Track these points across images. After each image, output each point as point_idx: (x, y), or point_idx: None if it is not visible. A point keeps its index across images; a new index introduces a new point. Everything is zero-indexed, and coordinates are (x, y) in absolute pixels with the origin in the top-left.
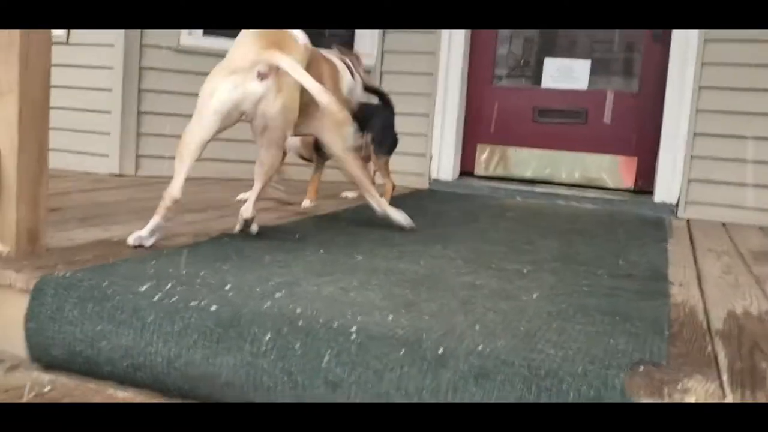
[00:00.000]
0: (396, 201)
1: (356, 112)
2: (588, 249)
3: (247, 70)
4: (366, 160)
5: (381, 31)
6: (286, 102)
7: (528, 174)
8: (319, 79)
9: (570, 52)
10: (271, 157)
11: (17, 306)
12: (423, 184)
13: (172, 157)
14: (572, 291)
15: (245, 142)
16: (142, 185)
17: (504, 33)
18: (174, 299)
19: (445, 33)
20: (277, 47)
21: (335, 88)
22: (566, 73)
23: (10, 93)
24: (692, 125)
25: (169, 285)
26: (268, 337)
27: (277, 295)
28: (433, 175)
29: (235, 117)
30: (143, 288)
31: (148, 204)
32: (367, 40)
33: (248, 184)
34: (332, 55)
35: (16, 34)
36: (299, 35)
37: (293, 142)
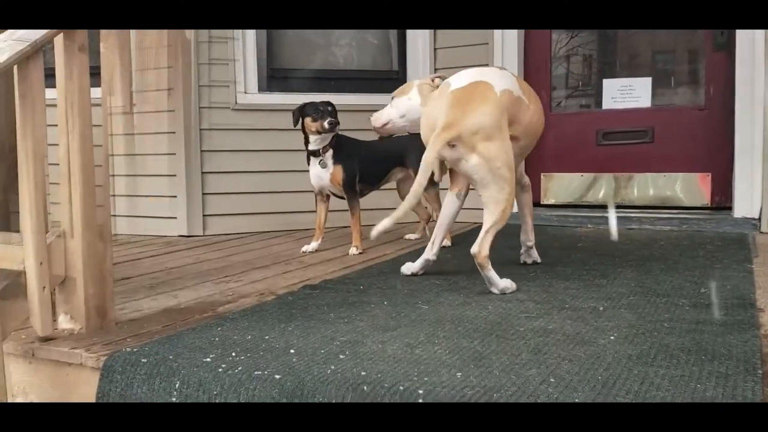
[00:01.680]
0: (462, 237)
1: (390, 144)
2: (667, 277)
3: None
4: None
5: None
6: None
7: (597, 199)
8: (526, 114)
9: (629, 71)
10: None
11: (90, 384)
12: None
13: (238, 214)
14: (653, 329)
15: (303, 193)
16: (208, 245)
17: (558, 55)
18: (238, 369)
19: (497, 61)
20: (467, 105)
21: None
22: (627, 93)
23: (73, 175)
24: (767, 137)
25: (234, 354)
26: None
27: (341, 356)
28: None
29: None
30: (208, 359)
31: (214, 265)
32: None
33: (307, 235)
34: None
35: (76, 119)
36: (497, 80)
37: (326, 181)
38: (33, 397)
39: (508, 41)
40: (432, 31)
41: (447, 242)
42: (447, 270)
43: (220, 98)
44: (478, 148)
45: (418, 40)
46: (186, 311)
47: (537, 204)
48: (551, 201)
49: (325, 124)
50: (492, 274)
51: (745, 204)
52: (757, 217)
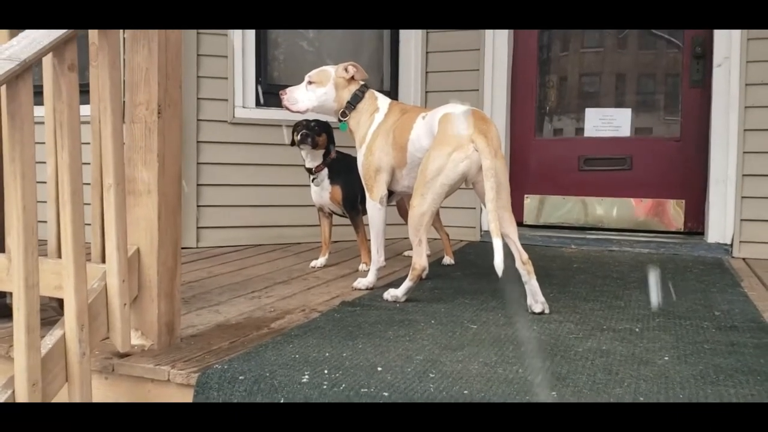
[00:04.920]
0: (454, 255)
1: None
2: (675, 300)
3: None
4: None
5: (423, 89)
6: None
7: (578, 221)
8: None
9: (610, 101)
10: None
11: (179, 401)
12: (474, 236)
13: (231, 227)
14: (697, 350)
15: (297, 207)
16: (209, 258)
17: (543, 85)
18: (342, 387)
19: (487, 88)
20: (486, 119)
21: None
22: (608, 122)
23: (149, 194)
24: (740, 167)
25: (326, 371)
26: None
27: (431, 375)
28: (484, 227)
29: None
30: (305, 378)
31: (232, 279)
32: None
33: (302, 249)
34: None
35: (154, 138)
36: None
37: (325, 199)
38: None
39: (498, 67)
40: (424, 53)
41: (450, 260)
42: (466, 288)
43: (217, 112)
44: (498, 154)
45: (411, 60)
46: (241, 327)
47: (520, 224)
48: (534, 222)
49: (298, 136)
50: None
51: (718, 230)
52: (729, 242)
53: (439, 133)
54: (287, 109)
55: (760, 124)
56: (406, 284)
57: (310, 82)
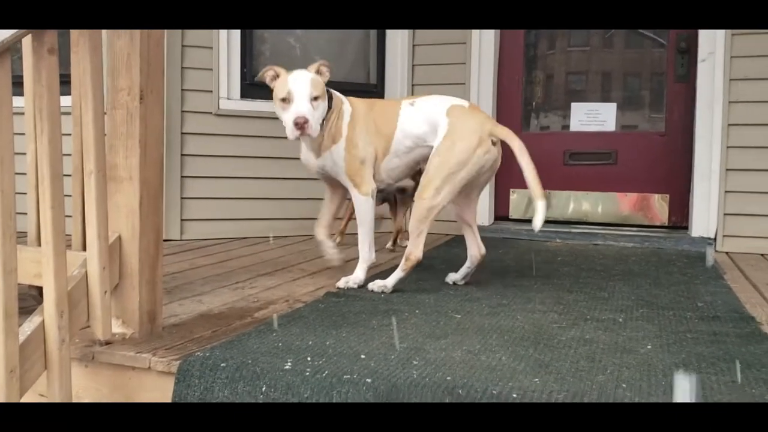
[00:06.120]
0: (440, 248)
1: None
2: (659, 291)
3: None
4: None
5: (410, 82)
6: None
7: (563, 215)
8: None
9: (596, 96)
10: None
11: (159, 389)
12: (459, 230)
13: (216, 220)
14: (680, 339)
15: (282, 200)
16: (192, 250)
17: (529, 80)
18: (325, 373)
19: (474, 82)
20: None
21: None
22: (594, 117)
23: (131, 180)
24: (724, 161)
25: (309, 359)
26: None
27: (415, 362)
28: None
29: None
30: (288, 365)
31: (215, 271)
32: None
33: (288, 242)
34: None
35: (136, 124)
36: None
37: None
38: (87, 401)
39: (484, 61)
40: (411, 46)
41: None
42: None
43: (202, 103)
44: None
45: (397, 54)
46: (224, 317)
47: (505, 218)
48: (519, 216)
49: None
50: None
51: (702, 224)
52: (713, 236)
53: (455, 126)
54: (306, 136)
55: (743, 118)
56: (397, 274)
57: (315, 98)
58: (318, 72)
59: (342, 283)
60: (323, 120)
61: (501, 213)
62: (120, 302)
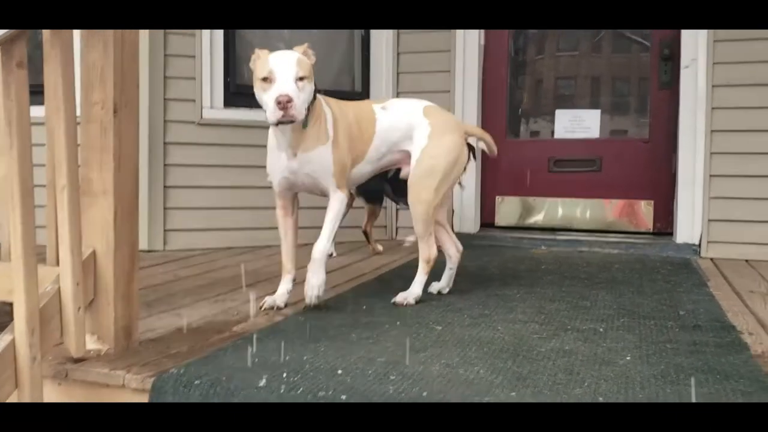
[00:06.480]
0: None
1: None
2: (641, 300)
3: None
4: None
5: (394, 90)
6: None
7: (548, 222)
8: None
9: (580, 103)
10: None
11: None
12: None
13: (200, 230)
14: (659, 350)
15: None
16: (175, 261)
17: (514, 86)
18: (300, 390)
19: (458, 89)
20: None
21: None
22: (578, 124)
23: (105, 194)
24: (707, 168)
25: (284, 375)
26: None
27: (392, 377)
28: (456, 229)
29: None
30: (262, 382)
31: (197, 282)
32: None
33: (275, 251)
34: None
35: (110, 138)
36: None
37: None
38: None
39: (468, 68)
40: (396, 54)
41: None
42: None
43: (185, 112)
44: None
45: (382, 62)
46: (202, 331)
47: (491, 225)
48: (505, 223)
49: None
50: None
51: (686, 230)
52: (697, 243)
53: (437, 125)
54: (290, 121)
55: (726, 125)
56: (422, 279)
57: (301, 78)
58: (304, 54)
59: (309, 299)
60: (308, 111)
61: (487, 220)
62: (95, 318)
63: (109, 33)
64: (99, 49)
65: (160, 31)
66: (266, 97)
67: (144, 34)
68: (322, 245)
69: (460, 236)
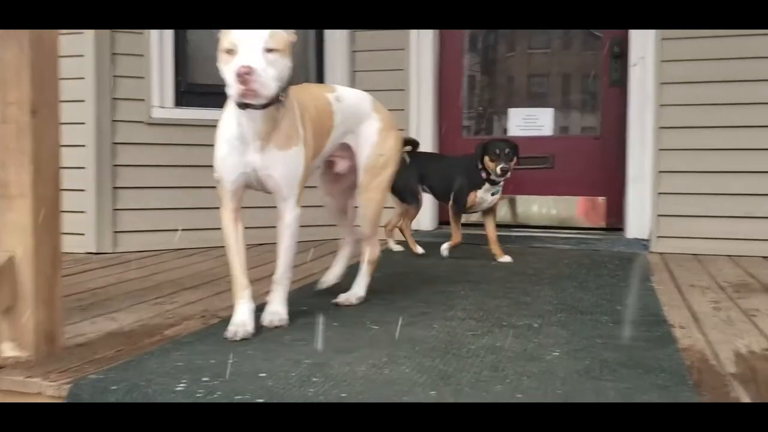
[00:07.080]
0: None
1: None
2: (583, 295)
3: None
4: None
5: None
6: None
7: (503, 219)
8: None
9: (533, 102)
10: None
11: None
12: (398, 236)
13: (150, 231)
14: (588, 345)
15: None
16: (123, 263)
17: (468, 85)
18: (217, 394)
19: (413, 87)
20: None
21: None
22: (531, 122)
23: (23, 197)
24: (656, 164)
25: (206, 379)
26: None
27: (315, 379)
28: (414, 227)
29: None
30: (181, 386)
31: (140, 285)
32: None
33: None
34: None
35: (27, 139)
36: None
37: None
38: None
39: (423, 67)
40: (350, 52)
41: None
42: (380, 288)
43: (134, 112)
44: None
45: (336, 59)
46: (133, 335)
47: (446, 223)
48: (463, 220)
49: (498, 170)
50: None
51: (636, 226)
52: (647, 238)
53: (387, 120)
54: (255, 98)
55: (674, 121)
56: (365, 280)
57: (269, 50)
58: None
59: (270, 322)
60: (282, 95)
61: (444, 218)
62: (14, 325)
63: (25, 32)
64: (14, 47)
65: (107, 30)
66: (227, 69)
67: (89, 33)
68: (287, 277)
69: (418, 234)
